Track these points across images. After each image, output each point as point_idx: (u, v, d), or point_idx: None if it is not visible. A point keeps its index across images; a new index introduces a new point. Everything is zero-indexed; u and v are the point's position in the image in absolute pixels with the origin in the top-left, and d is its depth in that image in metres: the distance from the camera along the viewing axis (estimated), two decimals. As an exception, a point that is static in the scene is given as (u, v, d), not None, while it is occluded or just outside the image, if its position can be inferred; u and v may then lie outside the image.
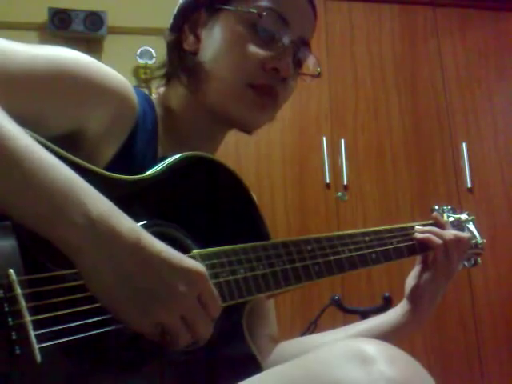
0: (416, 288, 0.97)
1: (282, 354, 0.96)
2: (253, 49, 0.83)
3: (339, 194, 2.71)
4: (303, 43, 0.88)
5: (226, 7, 0.85)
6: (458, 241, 0.97)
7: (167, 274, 0.58)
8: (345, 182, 2.74)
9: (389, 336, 0.93)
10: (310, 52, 0.90)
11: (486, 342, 2.68)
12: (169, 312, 0.58)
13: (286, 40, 0.84)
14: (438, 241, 0.96)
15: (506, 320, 2.72)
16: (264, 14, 0.83)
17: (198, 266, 0.61)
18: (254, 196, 0.84)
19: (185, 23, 0.88)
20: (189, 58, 0.87)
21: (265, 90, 0.84)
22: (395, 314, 0.98)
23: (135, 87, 0.84)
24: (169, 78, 0.92)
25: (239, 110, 0.84)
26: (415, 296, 0.97)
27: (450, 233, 0.98)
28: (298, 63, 0.89)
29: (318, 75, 0.92)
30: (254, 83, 0.83)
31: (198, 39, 0.87)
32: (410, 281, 0.99)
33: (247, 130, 0.91)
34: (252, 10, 0.83)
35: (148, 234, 0.59)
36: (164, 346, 0.59)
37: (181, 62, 0.88)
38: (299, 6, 0.87)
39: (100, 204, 0.57)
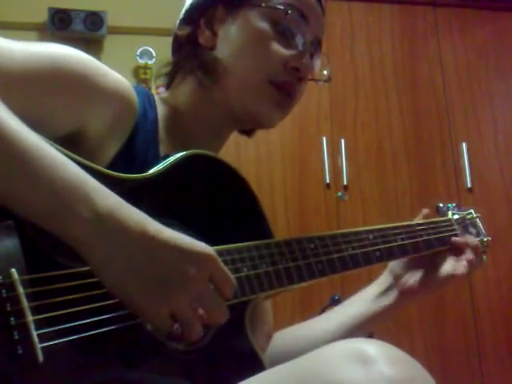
0: (411, 288, 0.95)
1: (274, 345, 0.97)
2: (276, 46, 0.83)
3: (339, 194, 2.71)
4: (318, 44, 0.90)
5: (249, 3, 0.85)
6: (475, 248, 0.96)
7: (177, 260, 0.58)
8: (345, 182, 2.74)
9: (379, 319, 0.95)
10: (323, 54, 0.91)
11: (486, 342, 2.68)
12: (182, 297, 0.58)
13: (306, 40, 0.85)
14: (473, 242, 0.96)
15: (506, 320, 2.72)
16: (289, 12, 0.83)
17: (206, 248, 0.61)
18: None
19: (200, 17, 0.88)
20: (205, 53, 0.87)
21: (284, 88, 0.85)
22: (382, 302, 0.96)
23: (136, 86, 0.84)
24: (174, 75, 0.91)
25: (258, 106, 0.85)
26: (408, 293, 0.95)
27: (473, 240, 0.98)
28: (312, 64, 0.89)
29: (329, 80, 0.92)
30: (275, 80, 0.84)
31: (214, 34, 0.87)
32: (407, 278, 0.96)
33: (262, 126, 0.91)
34: (279, 7, 0.83)
35: (156, 223, 0.59)
36: (176, 340, 0.60)
37: (197, 56, 0.87)
38: (314, 7, 0.88)
39: (108, 199, 0.57)
